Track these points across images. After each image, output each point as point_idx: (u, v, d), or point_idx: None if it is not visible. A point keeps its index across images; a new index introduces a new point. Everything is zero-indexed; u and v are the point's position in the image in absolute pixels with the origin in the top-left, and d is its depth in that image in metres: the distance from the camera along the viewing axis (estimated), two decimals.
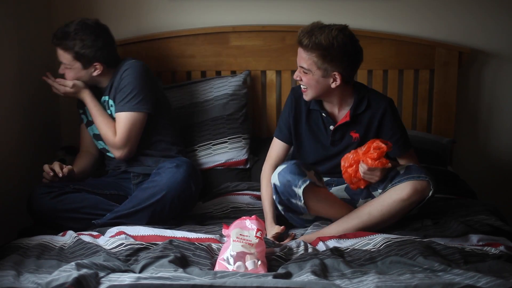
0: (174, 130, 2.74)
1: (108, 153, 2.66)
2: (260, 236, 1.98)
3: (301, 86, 2.37)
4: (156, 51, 3.00)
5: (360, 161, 2.22)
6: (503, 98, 3.10)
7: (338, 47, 2.24)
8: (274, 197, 2.27)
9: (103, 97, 2.65)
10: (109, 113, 2.62)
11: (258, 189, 2.60)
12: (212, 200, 2.56)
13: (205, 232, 2.22)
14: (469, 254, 1.96)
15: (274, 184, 2.23)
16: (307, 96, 2.36)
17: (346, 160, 2.27)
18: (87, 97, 2.59)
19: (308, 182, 2.16)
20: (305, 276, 1.81)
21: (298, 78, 2.36)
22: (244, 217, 2.10)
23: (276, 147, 2.50)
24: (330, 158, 2.43)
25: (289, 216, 2.35)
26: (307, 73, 2.30)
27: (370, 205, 2.23)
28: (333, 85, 2.30)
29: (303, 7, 3.03)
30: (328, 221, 2.32)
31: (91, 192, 2.46)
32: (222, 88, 2.94)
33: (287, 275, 1.85)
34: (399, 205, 2.17)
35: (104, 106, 2.63)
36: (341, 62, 2.27)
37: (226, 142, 2.88)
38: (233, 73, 3.06)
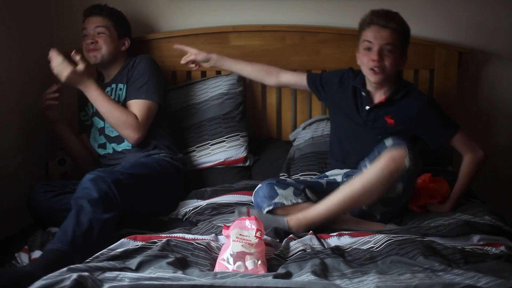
0: (170, 133, 2.77)
1: (103, 150, 2.70)
2: (259, 236, 1.98)
3: (375, 68, 2.40)
4: (156, 51, 2.99)
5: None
6: (503, 98, 3.09)
7: (409, 30, 2.46)
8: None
9: (112, 84, 2.71)
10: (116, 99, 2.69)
11: None
12: (212, 199, 2.56)
13: (202, 234, 2.21)
14: (469, 254, 1.96)
15: (253, 201, 2.36)
16: (381, 76, 2.42)
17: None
18: (93, 84, 2.55)
19: (271, 207, 2.27)
20: (305, 276, 1.81)
21: (377, 60, 2.38)
22: (243, 217, 2.11)
23: (297, 73, 2.76)
24: (361, 138, 2.50)
25: None
26: (393, 52, 2.39)
27: (353, 178, 2.27)
28: (402, 67, 2.49)
29: (303, 7, 3.03)
30: None
31: None
32: (217, 88, 2.94)
33: (287, 275, 1.84)
34: (378, 174, 2.19)
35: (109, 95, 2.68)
36: (407, 45, 2.46)
37: (224, 141, 2.88)
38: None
